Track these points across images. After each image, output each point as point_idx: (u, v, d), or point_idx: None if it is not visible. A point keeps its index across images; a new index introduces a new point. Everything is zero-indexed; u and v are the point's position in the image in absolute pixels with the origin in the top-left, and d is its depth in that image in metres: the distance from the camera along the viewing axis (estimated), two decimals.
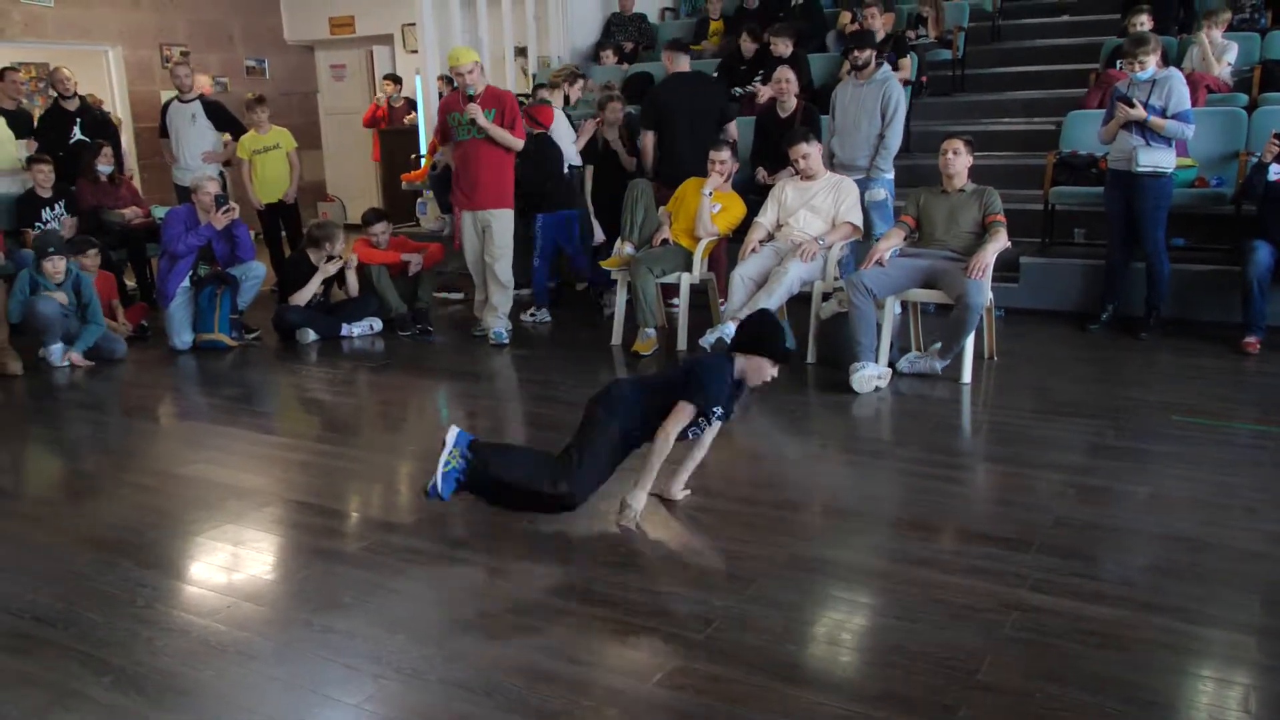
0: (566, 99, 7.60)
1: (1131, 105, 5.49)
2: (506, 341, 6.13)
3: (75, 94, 7.87)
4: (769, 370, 3.37)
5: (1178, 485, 3.63)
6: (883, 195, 6.02)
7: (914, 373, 5.11)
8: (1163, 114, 5.48)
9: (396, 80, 11.33)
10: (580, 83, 8.17)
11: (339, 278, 6.56)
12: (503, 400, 5.36)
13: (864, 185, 5.95)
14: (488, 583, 3.13)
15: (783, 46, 7.54)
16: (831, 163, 6.07)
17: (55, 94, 7.89)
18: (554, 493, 3.26)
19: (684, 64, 6.73)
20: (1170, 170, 5.57)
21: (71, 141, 7.69)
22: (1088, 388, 4.93)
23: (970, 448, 4.35)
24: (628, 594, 2.92)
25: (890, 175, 6.10)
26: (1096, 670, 2.44)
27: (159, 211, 7.55)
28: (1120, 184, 5.69)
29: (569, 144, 6.88)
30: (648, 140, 6.63)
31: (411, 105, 11.14)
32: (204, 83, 8.67)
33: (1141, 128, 5.52)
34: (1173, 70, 5.66)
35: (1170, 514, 3.39)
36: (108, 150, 7.43)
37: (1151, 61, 5.51)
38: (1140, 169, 5.50)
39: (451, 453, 3.30)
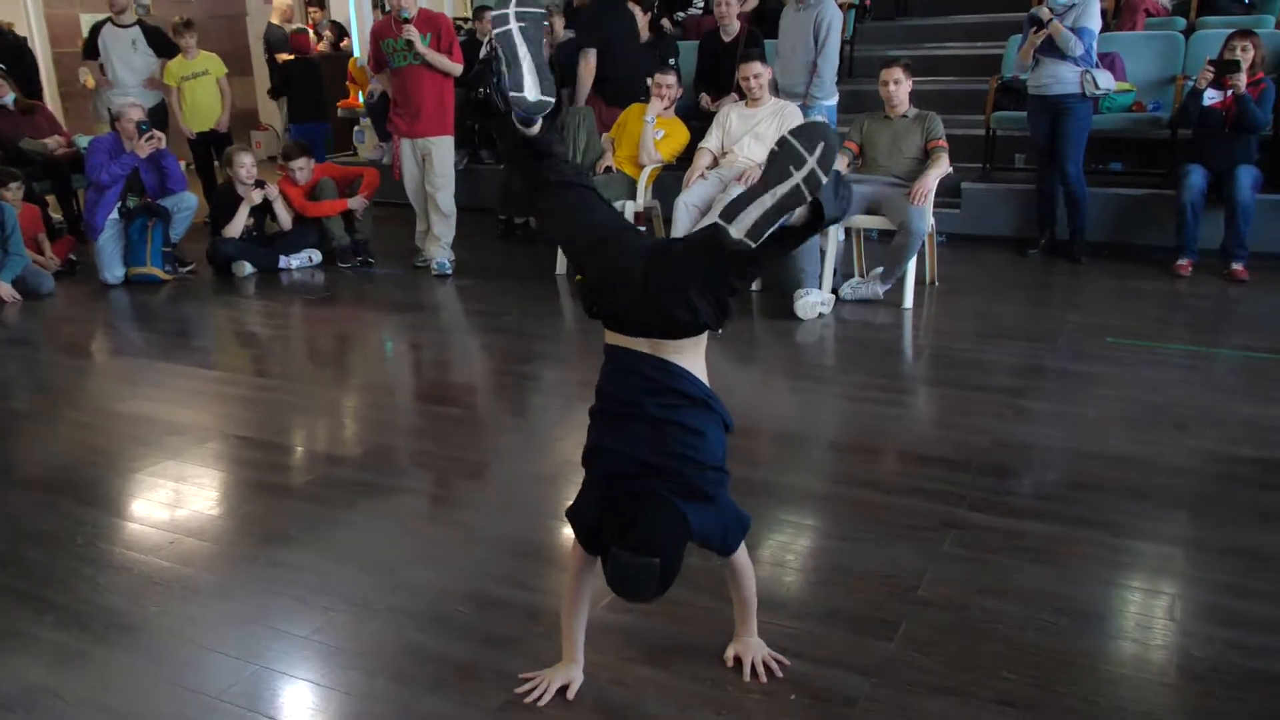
0: None
1: (1041, 27, 5.52)
2: (450, 272, 6.05)
3: None
4: None
5: (1110, 405, 3.73)
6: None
7: (856, 299, 5.15)
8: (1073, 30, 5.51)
9: (320, 4, 10.96)
10: None
11: (269, 209, 6.38)
12: (448, 331, 5.31)
13: (804, 111, 5.92)
14: (435, 513, 3.13)
15: None
16: (776, 90, 6.02)
17: None
18: None
19: None
20: (1094, 94, 5.61)
21: None
22: (1025, 311, 5.02)
23: (911, 372, 4.42)
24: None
25: (829, 102, 6.05)
26: (1030, 584, 2.52)
27: (83, 141, 7.28)
28: (1045, 109, 5.73)
29: None
30: (590, 59, 6.52)
31: (339, 29, 10.81)
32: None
33: (1052, 48, 5.55)
34: None
35: (1102, 432, 3.48)
36: None
37: None
38: (1100, 91, 5.55)
39: None
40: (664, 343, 1.96)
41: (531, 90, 1.98)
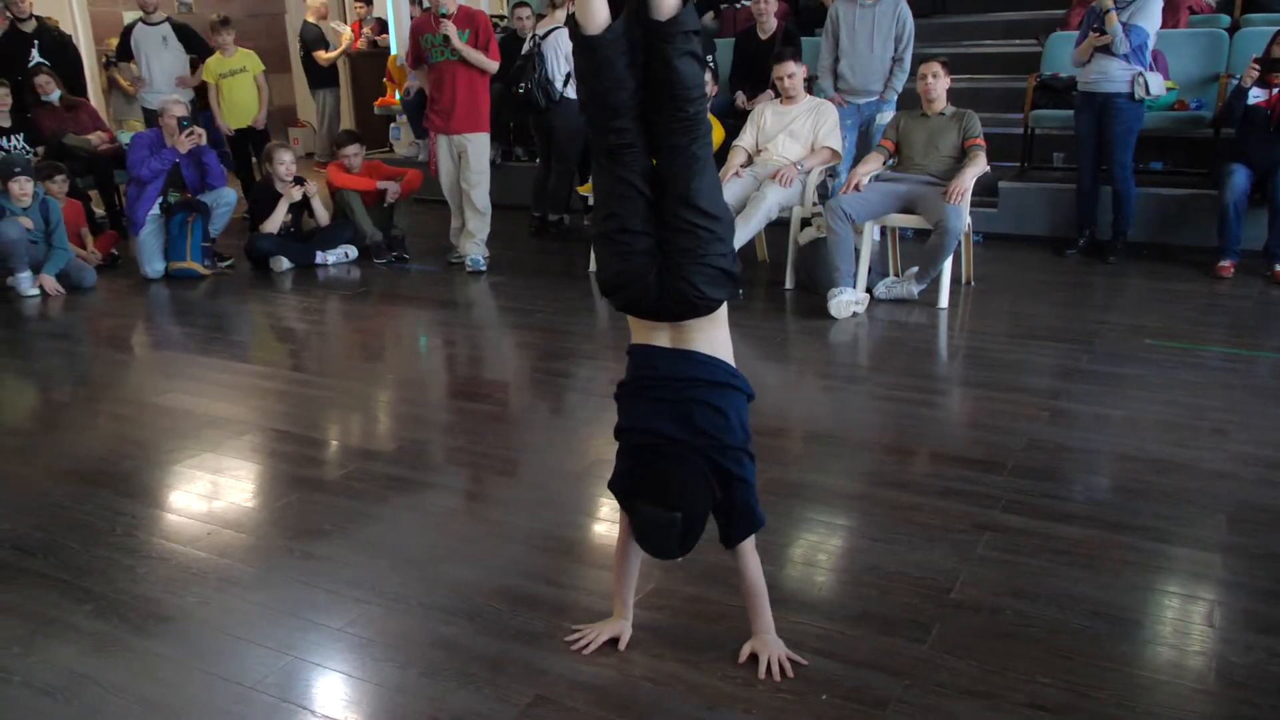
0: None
1: (1103, 32, 5.44)
2: (484, 269, 6.08)
3: (31, 15, 7.62)
4: None
5: (1148, 407, 3.68)
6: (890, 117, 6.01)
7: (891, 298, 5.12)
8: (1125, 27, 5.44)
9: (368, 1, 11.06)
10: None
11: (307, 205, 6.45)
12: (481, 328, 5.34)
13: (876, 108, 5.96)
14: (467, 508, 3.15)
15: None
16: (836, 86, 6.02)
17: (10, 16, 7.63)
18: None
19: None
20: (1143, 97, 5.53)
21: (31, 65, 7.47)
22: (1063, 312, 4.96)
23: (946, 372, 4.38)
24: (606, 518, 2.94)
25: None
26: (1065, 587, 2.50)
27: (125, 136, 7.39)
28: (1092, 106, 5.65)
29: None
30: None
31: (382, 26, 10.91)
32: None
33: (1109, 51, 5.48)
34: None
35: (1140, 436, 3.44)
36: (42, 78, 7.21)
37: None
38: (1150, 96, 5.47)
39: None
40: (684, 326, 2.07)
41: None
